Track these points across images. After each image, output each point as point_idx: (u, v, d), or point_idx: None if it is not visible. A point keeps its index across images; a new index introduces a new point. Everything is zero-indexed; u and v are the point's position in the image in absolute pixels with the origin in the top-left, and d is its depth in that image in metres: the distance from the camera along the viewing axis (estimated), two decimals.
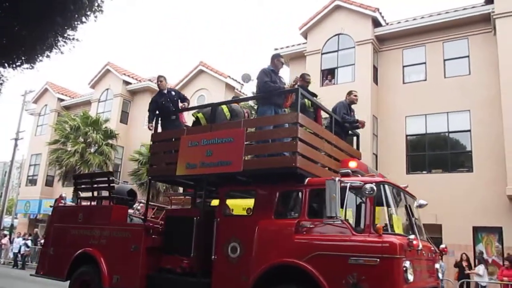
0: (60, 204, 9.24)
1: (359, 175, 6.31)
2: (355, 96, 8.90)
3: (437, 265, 6.41)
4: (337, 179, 5.42)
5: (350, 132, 8.84)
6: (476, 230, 15.51)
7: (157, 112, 8.61)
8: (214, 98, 20.04)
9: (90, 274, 7.92)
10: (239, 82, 23.89)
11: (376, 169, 13.58)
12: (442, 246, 6.83)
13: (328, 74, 19.68)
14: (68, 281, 8.31)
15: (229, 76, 24.08)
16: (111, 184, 8.47)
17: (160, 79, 8.89)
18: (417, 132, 17.84)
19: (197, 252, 6.86)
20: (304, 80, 8.19)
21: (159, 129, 8.76)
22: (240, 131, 6.86)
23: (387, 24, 19.21)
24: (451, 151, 17.06)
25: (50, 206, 9.35)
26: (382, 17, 19.12)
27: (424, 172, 17.17)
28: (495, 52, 15.88)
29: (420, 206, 6.38)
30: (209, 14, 79.22)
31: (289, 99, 7.27)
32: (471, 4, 17.42)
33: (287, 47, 21.44)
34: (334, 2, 19.70)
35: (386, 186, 5.83)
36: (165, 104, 8.63)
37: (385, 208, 5.70)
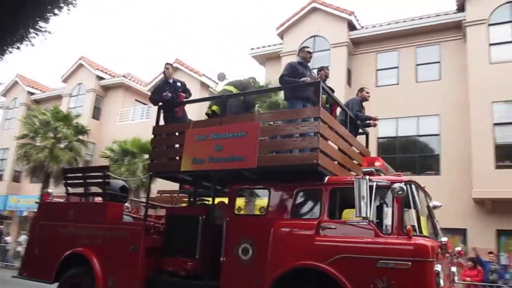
0: (47, 200, 8.40)
1: (382, 174, 5.98)
2: (367, 93, 8.58)
3: (453, 269, 6.14)
4: (367, 177, 5.04)
5: (360, 130, 8.50)
6: (442, 231, 15.47)
7: (160, 103, 7.91)
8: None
9: (81, 276, 7.16)
10: (214, 81, 23.28)
11: None
12: (458, 248, 6.54)
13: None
14: (56, 284, 7.52)
15: (203, 75, 23.45)
16: (107, 180, 7.73)
17: (166, 66, 8.19)
18: (388, 135, 17.73)
19: (203, 254, 6.31)
20: (324, 74, 7.82)
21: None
22: (254, 125, 6.35)
23: (362, 28, 19.16)
24: (420, 154, 17.10)
25: (36, 202, 8.50)
26: (357, 20, 19.07)
27: None
28: (465, 59, 16.02)
29: (434, 207, 6.07)
30: (208, 14, 77.49)
31: None
32: (443, 11, 17.56)
33: (263, 47, 21.08)
34: (311, 4, 19.53)
35: (413, 186, 5.48)
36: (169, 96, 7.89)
37: (412, 208, 5.30)
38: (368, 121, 8.29)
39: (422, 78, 17.37)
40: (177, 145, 7.44)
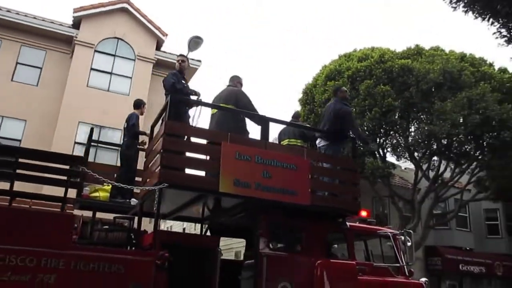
0: None
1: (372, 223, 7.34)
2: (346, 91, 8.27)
3: None
4: (411, 231, 7.05)
5: None
6: None
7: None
8: None
9: None
10: None
11: None
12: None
13: None
14: None
15: None
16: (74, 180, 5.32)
17: (183, 59, 7.28)
18: None
19: None
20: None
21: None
22: (304, 161, 6.15)
23: None
24: None
25: None
26: None
27: None
28: (66, 74, 15.78)
29: None
30: None
31: None
32: (60, 21, 16.84)
33: None
34: None
35: None
36: (185, 91, 6.87)
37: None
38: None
39: (19, 78, 15.90)
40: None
